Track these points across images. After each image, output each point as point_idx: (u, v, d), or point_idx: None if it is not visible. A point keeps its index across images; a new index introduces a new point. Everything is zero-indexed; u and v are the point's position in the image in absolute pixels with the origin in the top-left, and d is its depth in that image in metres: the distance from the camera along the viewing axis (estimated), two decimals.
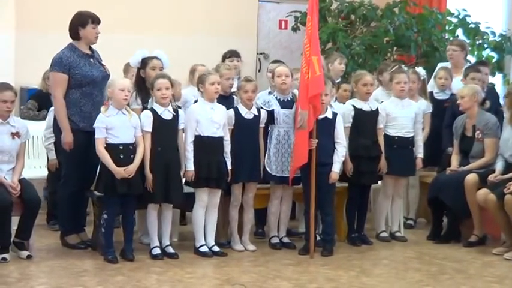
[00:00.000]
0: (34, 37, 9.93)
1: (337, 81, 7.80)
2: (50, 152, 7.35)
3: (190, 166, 6.53)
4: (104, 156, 6.27)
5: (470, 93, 7.39)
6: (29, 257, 6.30)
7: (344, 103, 7.34)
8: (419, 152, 7.39)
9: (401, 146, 7.31)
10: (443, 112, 7.91)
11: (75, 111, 6.60)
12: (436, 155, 7.89)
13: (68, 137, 6.56)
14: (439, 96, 8.12)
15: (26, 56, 9.83)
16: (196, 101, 6.83)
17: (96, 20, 6.72)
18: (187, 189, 6.64)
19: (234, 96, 7.07)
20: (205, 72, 6.75)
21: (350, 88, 7.54)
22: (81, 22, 6.69)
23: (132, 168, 6.28)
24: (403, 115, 7.33)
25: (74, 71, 6.58)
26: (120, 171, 6.23)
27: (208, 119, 6.58)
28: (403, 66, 8.41)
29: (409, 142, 7.36)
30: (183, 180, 6.56)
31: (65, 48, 6.69)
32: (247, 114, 6.76)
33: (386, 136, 7.27)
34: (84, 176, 6.62)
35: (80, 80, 6.59)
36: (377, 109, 7.20)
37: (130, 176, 6.26)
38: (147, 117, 6.45)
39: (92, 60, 6.72)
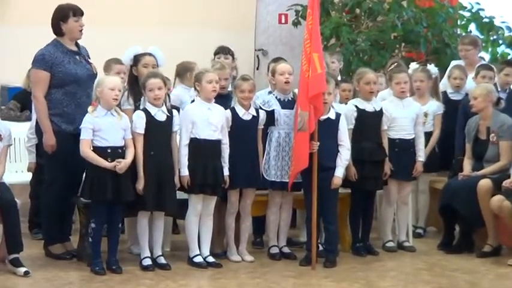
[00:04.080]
0: (16, 32, 9.96)
1: None
2: (31, 154, 7.35)
3: (184, 171, 6.54)
4: (89, 156, 6.25)
5: (483, 93, 7.40)
6: (26, 273, 6.20)
7: (345, 103, 7.35)
8: (420, 156, 7.38)
9: (403, 149, 7.30)
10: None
11: (58, 111, 6.60)
12: (448, 159, 7.91)
13: (49, 139, 6.56)
14: (454, 96, 8.11)
15: (7, 52, 9.85)
16: (193, 101, 6.84)
17: (78, 12, 6.70)
18: (180, 195, 6.65)
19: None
20: (202, 70, 6.76)
21: (350, 87, 7.55)
22: (62, 16, 6.68)
23: (124, 165, 6.28)
24: (403, 116, 7.31)
25: (56, 68, 6.58)
26: (111, 166, 6.23)
27: (204, 121, 6.59)
28: (414, 63, 8.42)
29: (410, 144, 7.35)
30: (179, 184, 6.56)
31: (49, 44, 6.70)
32: (245, 115, 6.76)
33: (387, 139, 7.27)
34: (69, 181, 6.61)
35: (62, 79, 6.59)
36: (381, 109, 7.20)
37: (121, 171, 6.25)
38: (140, 118, 6.45)
39: (77, 57, 6.72)
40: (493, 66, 8.23)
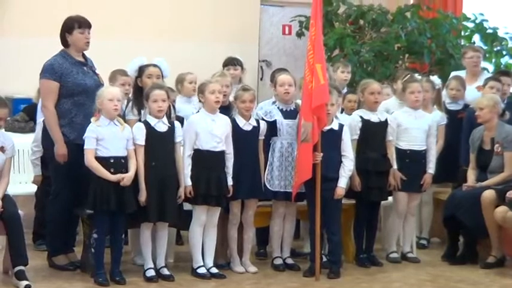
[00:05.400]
0: (19, 43, 9.99)
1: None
2: (36, 167, 7.34)
3: (187, 181, 6.56)
4: (93, 166, 6.28)
5: (490, 104, 7.40)
6: (27, 286, 6.15)
7: (350, 114, 7.38)
8: (430, 168, 7.39)
9: (413, 160, 7.33)
10: (457, 123, 7.91)
11: (66, 122, 6.61)
12: (451, 170, 7.91)
13: (61, 149, 6.56)
14: (452, 106, 8.13)
15: (11, 63, 9.88)
16: (198, 111, 6.86)
17: (83, 24, 6.72)
18: (184, 206, 6.65)
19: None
20: (205, 81, 6.79)
21: (356, 98, 7.56)
22: (68, 27, 6.71)
23: (127, 179, 6.29)
24: (415, 127, 7.34)
25: (65, 78, 6.60)
26: (115, 178, 6.25)
27: (208, 132, 6.60)
28: (417, 74, 8.44)
29: (422, 156, 7.37)
30: (183, 196, 6.56)
31: (56, 55, 6.72)
32: (246, 125, 6.77)
33: (397, 149, 7.28)
34: (75, 192, 6.61)
35: (72, 89, 6.61)
36: (386, 120, 7.23)
37: (125, 185, 6.27)
38: (140, 129, 6.47)
39: (85, 68, 6.74)
40: (502, 77, 8.21)
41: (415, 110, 7.40)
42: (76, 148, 6.52)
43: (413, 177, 7.32)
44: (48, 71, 6.62)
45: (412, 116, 7.38)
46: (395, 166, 7.23)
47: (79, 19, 6.74)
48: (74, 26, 6.70)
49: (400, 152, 7.30)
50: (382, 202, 7.38)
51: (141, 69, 6.85)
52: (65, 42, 6.73)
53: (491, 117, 7.42)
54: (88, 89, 6.65)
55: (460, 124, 7.93)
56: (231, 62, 8.00)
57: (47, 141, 6.72)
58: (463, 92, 8.11)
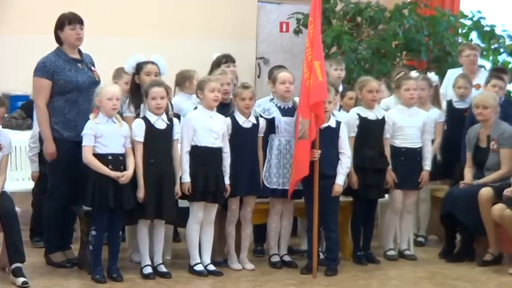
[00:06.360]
0: (17, 41, 9.99)
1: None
2: (33, 164, 7.34)
3: (186, 178, 6.56)
4: (92, 163, 6.27)
5: (494, 104, 7.41)
6: (24, 283, 6.16)
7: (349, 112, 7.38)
8: (426, 165, 7.39)
9: (409, 158, 7.32)
10: (463, 121, 7.88)
11: (59, 119, 6.60)
12: (449, 167, 7.91)
13: (49, 147, 6.57)
14: (459, 105, 8.10)
15: (9, 60, 9.87)
16: (195, 108, 6.86)
17: (73, 20, 6.67)
18: (181, 203, 6.65)
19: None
20: (204, 79, 6.78)
21: (355, 96, 7.56)
22: (59, 24, 6.69)
23: (126, 178, 6.29)
24: (409, 125, 7.33)
25: (57, 76, 6.59)
26: (115, 174, 6.25)
27: (206, 128, 6.60)
28: (414, 71, 8.43)
29: (417, 153, 7.36)
30: (179, 193, 6.56)
31: (51, 53, 6.71)
32: (245, 123, 6.77)
33: (392, 147, 7.27)
34: (72, 189, 6.61)
35: (63, 86, 6.60)
36: (383, 118, 7.22)
37: (123, 181, 6.27)
38: (139, 126, 6.47)
39: (79, 65, 6.72)
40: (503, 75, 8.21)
41: (409, 107, 7.38)
42: (70, 145, 6.53)
43: (409, 175, 7.32)
44: (40, 69, 6.62)
45: (406, 113, 7.37)
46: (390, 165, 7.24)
47: (69, 15, 6.71)
48: (64, 22, 6.68)
49: (396, 150, 7.29)
50: (380, 199, 7.38)
51: (139, 67, 6.85)
52: (58, 39, 6.72)
53: (493, 116, 7.42)
54: (80, 86, 6.63)
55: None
56: (229, 59, 7.99)
57: (42, 138, 6.71)
58: (470, 90, 8.10)
